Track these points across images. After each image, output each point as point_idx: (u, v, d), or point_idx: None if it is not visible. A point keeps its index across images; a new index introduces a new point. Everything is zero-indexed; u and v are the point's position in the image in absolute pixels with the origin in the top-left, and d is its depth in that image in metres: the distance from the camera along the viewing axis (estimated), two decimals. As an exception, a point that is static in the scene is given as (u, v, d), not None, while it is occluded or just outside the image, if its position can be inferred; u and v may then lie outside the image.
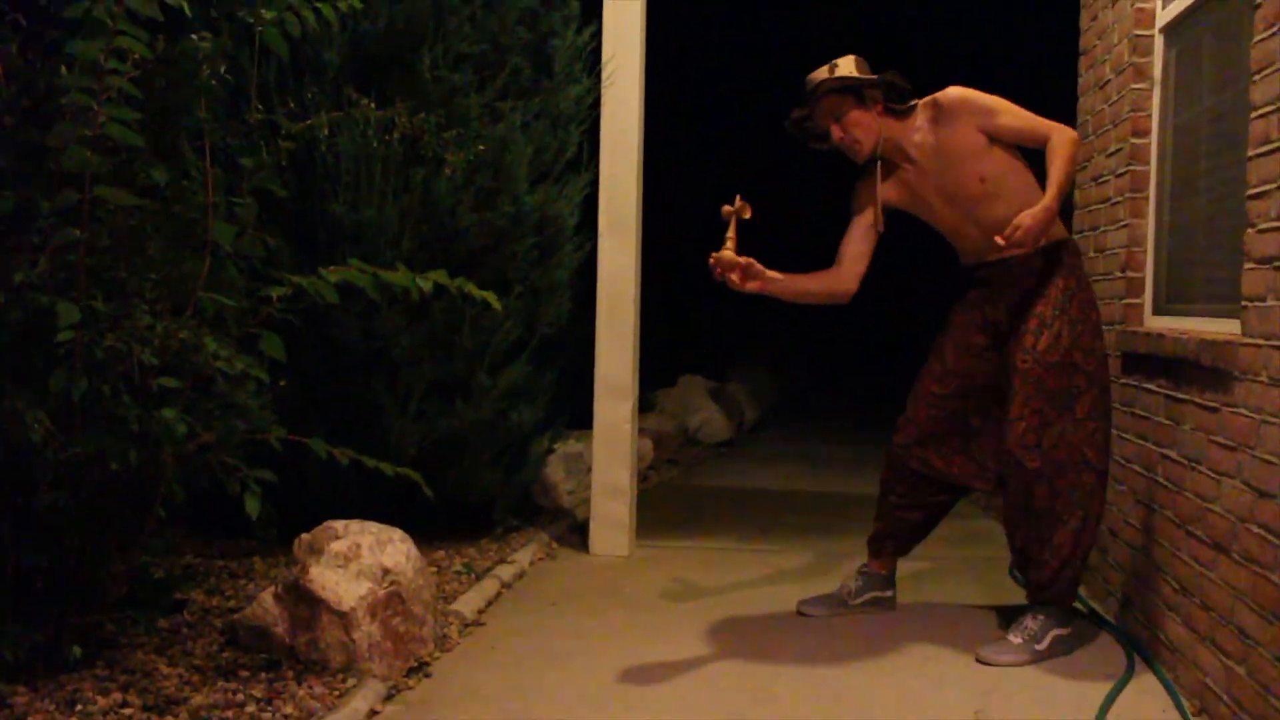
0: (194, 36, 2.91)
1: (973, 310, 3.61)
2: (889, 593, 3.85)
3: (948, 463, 3.67)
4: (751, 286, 3.45)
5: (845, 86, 3.48)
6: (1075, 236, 4.52)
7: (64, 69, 2.76)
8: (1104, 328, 4.06)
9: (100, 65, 2.65)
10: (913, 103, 3.53)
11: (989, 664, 3.31)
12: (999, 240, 3.19)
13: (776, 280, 3.49)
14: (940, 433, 3.65)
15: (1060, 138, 3.34)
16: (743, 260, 3.41)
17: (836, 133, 3.52)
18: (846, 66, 3.50)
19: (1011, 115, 3.43)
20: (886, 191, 3.58)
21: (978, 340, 3.59)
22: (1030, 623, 3.41)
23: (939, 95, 3.49)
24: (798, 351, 13.28)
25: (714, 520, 5.44)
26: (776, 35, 13.05)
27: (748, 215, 3.40)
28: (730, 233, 3.38)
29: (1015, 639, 3.38)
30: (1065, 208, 3.68)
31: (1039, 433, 3.36)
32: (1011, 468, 3.41)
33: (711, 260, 3.39)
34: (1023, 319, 3.43)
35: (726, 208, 3.42)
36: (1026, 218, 3.19)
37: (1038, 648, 3.35)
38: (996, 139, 3.43)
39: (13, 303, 2.67)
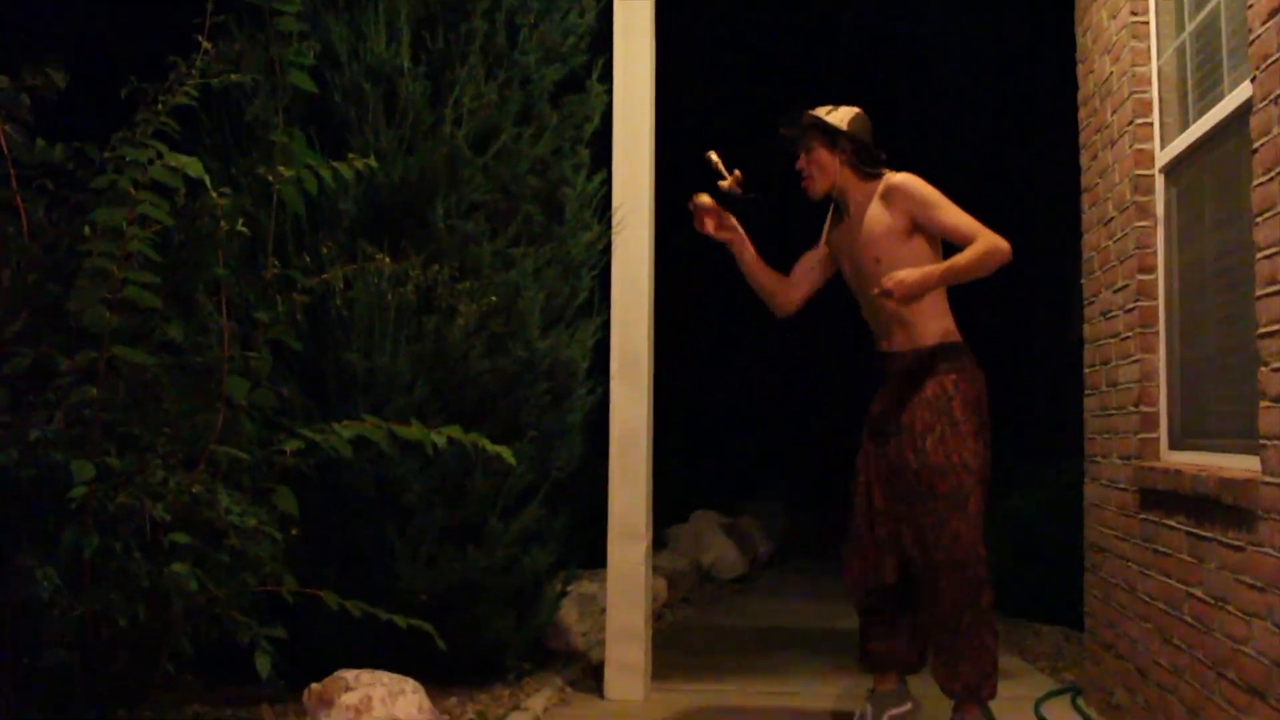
0: (213, 193, 2.97)
1: (873, 403, 3.79)
2: (905, 706, 3.75)
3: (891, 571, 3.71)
4: (722, 235, 3.83)
5: (823, 129, 3.72)
6: (1086, 370, 4.53)
7: (87, 229, 2.82)
8: (1120, 462, 4.05)
9: (122, 231, 2.71)
10: (882, 172, 3.72)
11: None
12: (876, 290, 3.42)
13: (745, 248, 3.86)
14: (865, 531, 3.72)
15: (985, 242, 3.48)
16: (725, 218, 3.77)
17: (801, 161, 3.78)
18: (843, 115, 3.74)
19: (946, 211, 3.59)
20: (833, 234, 3.86)
21: (874, 426, 3.75)
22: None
23: (894, 175, 3.68)
24: (810, 483, 13.19)
25: (730, 661, 5.33)
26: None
27: (730, 185, 3.73)
28: (722, 175, 3.73)
29: None
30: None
31: (938, 531, 3.49)
32: (918, 565, 3.56)
33: (690, 205, 3.77)
34: (907, 419, 3.58)
35: (712, 154, 3.75)
36: (902, 272, 3.41)
37: None
38: (923, 232, 3.60)
39: (26, 460, 2.68)
